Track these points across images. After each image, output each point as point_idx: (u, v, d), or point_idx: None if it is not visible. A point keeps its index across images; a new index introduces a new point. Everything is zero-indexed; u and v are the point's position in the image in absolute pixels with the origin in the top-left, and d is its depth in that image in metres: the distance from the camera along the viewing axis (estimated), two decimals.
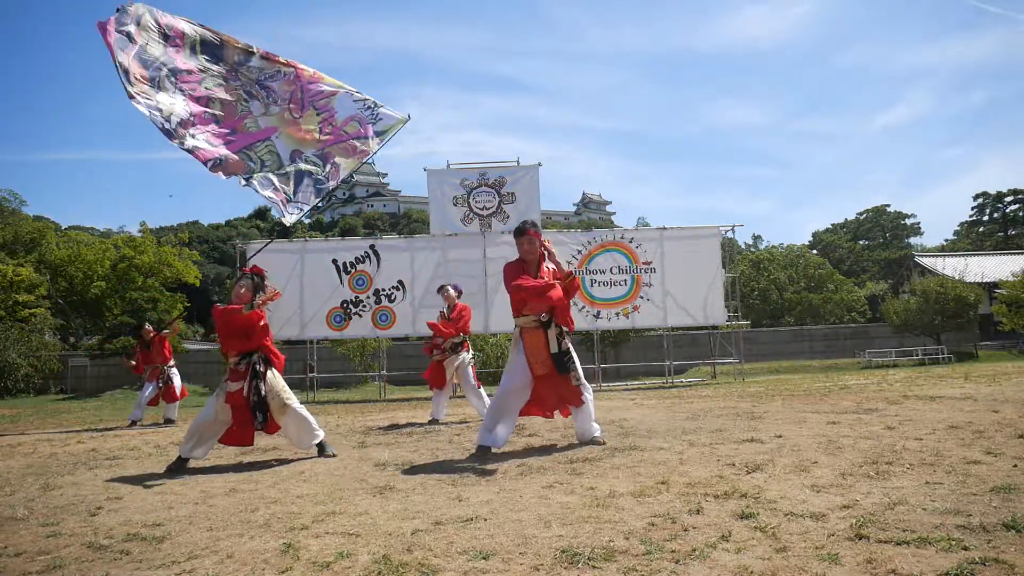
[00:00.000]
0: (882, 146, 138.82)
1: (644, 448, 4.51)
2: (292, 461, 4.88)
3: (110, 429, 8.61)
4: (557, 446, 4.87)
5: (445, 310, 7.70)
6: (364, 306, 15.02)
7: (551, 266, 4.93)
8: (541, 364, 4.77)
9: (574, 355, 4.88)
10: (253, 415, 4.86)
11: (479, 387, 7.36)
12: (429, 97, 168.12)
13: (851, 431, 4.75)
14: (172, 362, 9.96)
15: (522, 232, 4.93)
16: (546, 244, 4.99)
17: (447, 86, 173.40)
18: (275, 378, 5.03)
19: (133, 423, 9.20)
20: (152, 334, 9.92)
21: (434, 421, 7.38)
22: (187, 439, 4.93)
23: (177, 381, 9.85)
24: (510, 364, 4.98)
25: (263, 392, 4.89)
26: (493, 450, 4.73)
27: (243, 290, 4.98)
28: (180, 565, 2.48)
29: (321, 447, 5.08)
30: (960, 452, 3.77)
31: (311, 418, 5.10)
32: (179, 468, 4.76)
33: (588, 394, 4.90)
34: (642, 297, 15.22)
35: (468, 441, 5.47)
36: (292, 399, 5.06)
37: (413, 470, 4.24)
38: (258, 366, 4.93)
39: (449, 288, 7.68)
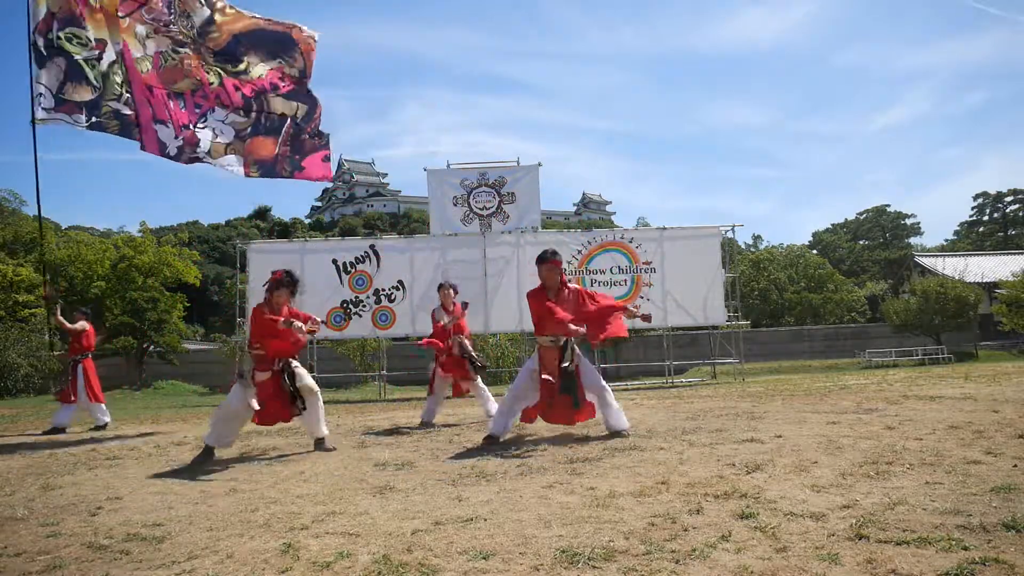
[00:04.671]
0: (882, 146, 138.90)
1: (644, 448, 4.51)
2: (292, 461, 4.89)
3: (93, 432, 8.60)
4: (557, 446, 4.87)
5: (439, 312, 7.30)
6: (364, 306, 15.01)
7: (574, 287, 5.48)
8: (549, 376, 5.23)
9: (581, 375, 5.27)
10: (293, 403, 5.27)
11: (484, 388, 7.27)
12: (429, 97, 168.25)
13: (851, 431, 4.75)
14: (84, 355, 8.47)
15: (543, 260, 5.34)
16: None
17: (447, 87, 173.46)
18: (301, 369, 5.44)
19: (58, 430, 8.01)
20: (80, 318, 8.65)
21: (424, 424, 7.02)
22: (211, 428, 5.21)
23: (81, 378, 8.32)
24: (523, 368, 5.56)
25: (296, 383, 5.29)
26: (500, 439, 5.25)
27: (282, 297, 5.33)
28: (180, 565, 2.48)
29: (321, 441, 5.39)
30: (960, 452, 3.76)
31: (323, 410, 5.55)
32: (206, 458, 5.00)
33: (605, 395, 5.33)
34: (642, 297, 15.20)
35: (468, 441, 5.48)
36: (315, 386, 5.50)
37: (413, 470, 4.24)
38: (289, 362, 5.32)
39: (449, 288, 7.35)
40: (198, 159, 6.40)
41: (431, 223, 15.72)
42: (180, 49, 6.29)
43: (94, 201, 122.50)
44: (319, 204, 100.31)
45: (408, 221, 78.81)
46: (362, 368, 23.37)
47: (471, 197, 15.26)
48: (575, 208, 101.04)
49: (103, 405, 8.56)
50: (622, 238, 15.64)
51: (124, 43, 6.00)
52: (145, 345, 26.03)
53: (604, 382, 5.42)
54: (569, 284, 5.48)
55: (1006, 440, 4.07)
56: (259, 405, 5.12)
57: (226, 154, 6.50)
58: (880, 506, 2.75)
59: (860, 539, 2.35)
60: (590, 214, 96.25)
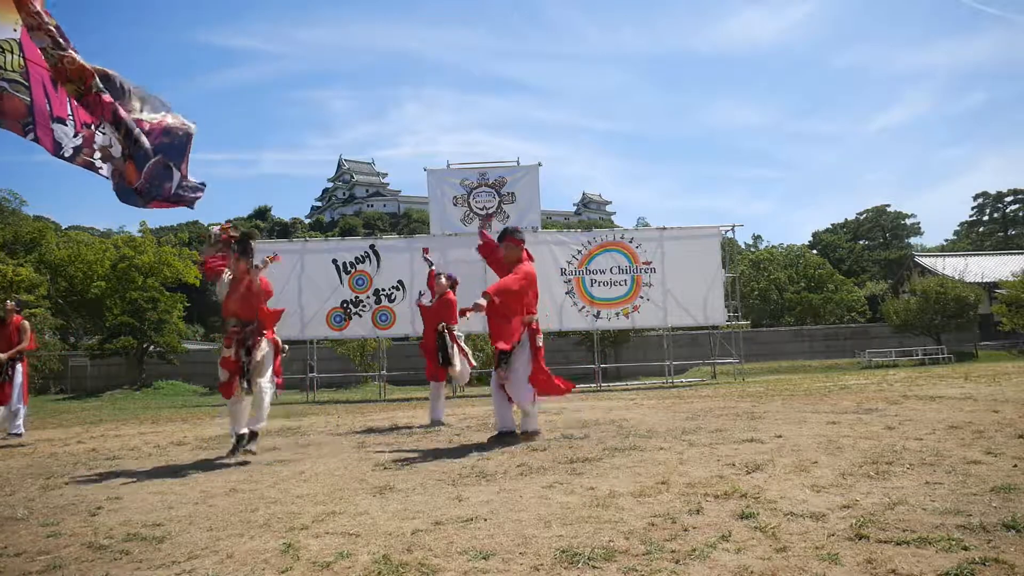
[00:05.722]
0: (882, 146, 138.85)
1: (644, 448, 4.51)
2: (292, 461, 4.88)
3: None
4: (557, 446, 4.87)
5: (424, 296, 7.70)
6: (364, 306, 15.02)
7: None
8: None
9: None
10: (240, 381, 5.08)
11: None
12: (429, 98, 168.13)
13: (851, 431, 4.75)
14: (23, 355, 7.80)
15: (501, 237, 5.53)
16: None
17: (447, 87, 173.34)
18: (267, 349, 5.18)
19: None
20: (13, 311, 7.80)
21: (436, 423, 7.03)
22: (230, 419, 5.28)
23: (17, 380, 7.65)
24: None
25: (251, 361, 5.09)
26: (514, 432, 5.30)
27: (241, 263, 5.23)
28: (180, 565, 2.48)
29: (248, 437, 5.08)
30: (960, 452, 3.77)
31: (267, 406, 5.15)
32: (236, 446, 5.10)
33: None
34: (642, 297, 15.22)
35: (468, 441, 5.48)
36: (266, 379, 5.11)
37: (413, 470, 4.24)
38: (249, 338, 5.16)
39: (442, 277, 7.39)
40: (92, 165, 5.95)
41: (431, 223, 15.72)
42: (60, 51, 5.78)
43: (94, 201, 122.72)
44: (319, 204, 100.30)
45: (408, 221, 78.77)
46: (362, 368, 23.37)
47: (471, 197, 15.27)
48: (575, 208, 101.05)
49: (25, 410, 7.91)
50: (622, 238, 15.64)
51: (22, 28, 5.45)
52: (145, 345, 26.03)
53: (526, 381, 5.21)
54: (523, 265, 5.37)
55: (1006, 440, 4.07)
56: (223, 377, 5.15)
57: (105, 162, 6.04)
58: (880, 506, 2.75)
59: (860, 539, 2.35)
60: (590, 214, 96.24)
